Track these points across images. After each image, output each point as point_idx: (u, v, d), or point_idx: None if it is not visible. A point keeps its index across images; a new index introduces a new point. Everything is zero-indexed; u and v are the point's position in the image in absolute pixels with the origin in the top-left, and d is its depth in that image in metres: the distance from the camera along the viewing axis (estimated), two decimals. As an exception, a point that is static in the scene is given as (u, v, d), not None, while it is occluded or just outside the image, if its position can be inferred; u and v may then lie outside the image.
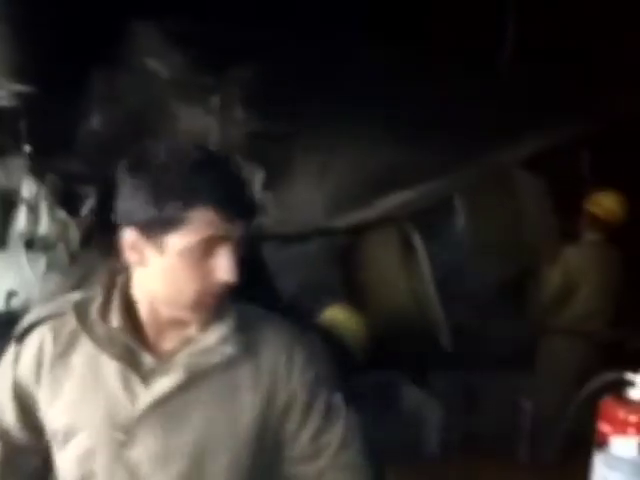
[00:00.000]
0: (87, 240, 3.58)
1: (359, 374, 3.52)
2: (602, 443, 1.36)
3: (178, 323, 1.25)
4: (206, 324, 1.24)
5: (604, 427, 1.35)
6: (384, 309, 3.86)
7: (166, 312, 1.23)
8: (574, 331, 3.70)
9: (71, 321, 1.25)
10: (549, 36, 4.08)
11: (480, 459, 2.51)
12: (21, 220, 3.67)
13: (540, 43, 4.12)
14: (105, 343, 1.22)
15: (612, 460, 1.32)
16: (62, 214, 3.75)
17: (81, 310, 1.25)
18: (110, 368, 1.23)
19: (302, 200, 4.37)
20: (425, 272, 3.76)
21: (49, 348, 1.25)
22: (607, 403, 1.36)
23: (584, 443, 1.49)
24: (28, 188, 3.70)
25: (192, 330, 1.25)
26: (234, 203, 1.18)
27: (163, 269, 1.19)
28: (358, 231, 4.12)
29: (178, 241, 1.16)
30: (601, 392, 1.49)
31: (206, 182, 1.16)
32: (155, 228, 1.17)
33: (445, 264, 3.98)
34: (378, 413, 3.64)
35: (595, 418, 1.41)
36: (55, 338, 1.26)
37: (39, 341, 1.27)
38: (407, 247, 3.83)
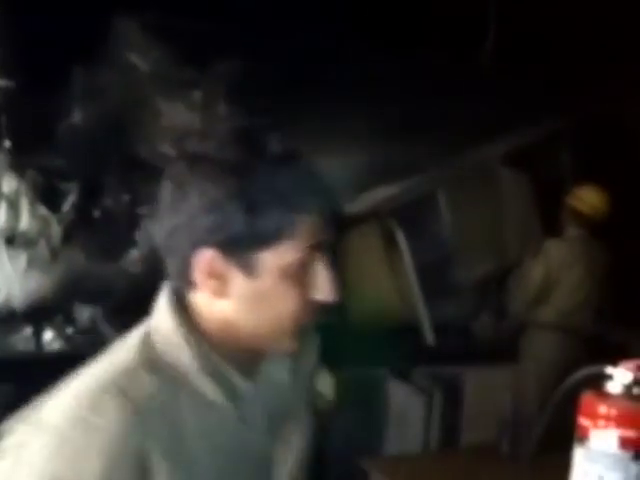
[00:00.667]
0: (68, 237, 3.56)
1: (341, 367, 3.54)
2: (582, 437, 1.37)
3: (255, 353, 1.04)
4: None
5: (584, 421, 1.35)
6: (367, 304, 3.87)
7: (251, 344, 1.00)
8: (556, 326, 3.71)
9: None
10: (531, 33, 4.09)
11: (463, 454, 2.52)
12: (1, 216, 3.63)
13: (522, 40, 4.13)
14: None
15: (592, 454, 1.32)
16: (43, 210, 3.71)
17: None
18: None
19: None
20: (408, 268, 3.76)
21: None
22: (587, 397, 1.37)
23: (565, 438, 1.50)
24: (8, 184, 3.66)
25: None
26: (330, 208, 1.01)
27: (255, 295, 0.96)
28: (341, 226, 4.11)
29: (277, 257, 0.95)
30: (583, 386, 1.50)
31: (309, 185, 0.97)
32: (246, 245, 0.94)
33: (429, 260, 3.99)
34: (363, 410, 3.67)
35: (575, 412, 1.42)
36: None
37: None
38: (390, 243, 3.83)
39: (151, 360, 0.97)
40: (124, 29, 4.00)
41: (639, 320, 4.30)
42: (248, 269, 0.95)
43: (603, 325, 3.91)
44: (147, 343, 0.98)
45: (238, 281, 0.95)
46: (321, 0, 4.06)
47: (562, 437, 1.51)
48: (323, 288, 1.00)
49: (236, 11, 3.95)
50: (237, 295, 0.96)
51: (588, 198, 3.73)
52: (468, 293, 4.03)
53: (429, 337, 3.72)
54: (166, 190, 0.96)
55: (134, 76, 4.11)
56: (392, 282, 3.84)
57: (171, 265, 0.99)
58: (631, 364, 1.37)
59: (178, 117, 4.16)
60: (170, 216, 0.95)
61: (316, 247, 0.99)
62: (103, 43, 3.98)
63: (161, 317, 1.00)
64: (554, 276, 3.70)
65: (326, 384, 2.68)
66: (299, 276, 0.98)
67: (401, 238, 3.77)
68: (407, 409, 3.64)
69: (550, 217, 3.96)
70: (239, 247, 0.94)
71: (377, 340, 3.54)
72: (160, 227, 0.97)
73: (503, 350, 3.82)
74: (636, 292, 4.25)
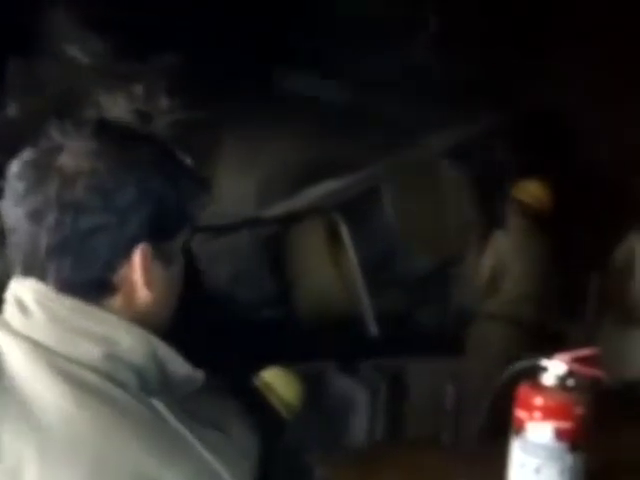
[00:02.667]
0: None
1: (288, 363, 3.54)
2: (519, 429, 1.41)
3: None
4: None
5: (520, 413, 1.40)
6: (313, 298, 3.89)
7: (161, 332, 0.95)
8: (502, 316, 3.75)
9: None
10: (469, 30, 4.16)
11: (407, 445, 2.54)
12: None
13: (462, 35, 4.20)
14: None
15: (528, 445, 1.37)
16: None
17: None
18: None
19: (231, 190, 4.35)
20: (352, 261, 3.79)
21: None
22: (523, 389, 1.41)
23: (504, 429, 1.54)
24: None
25: None
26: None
27: (169, 284, 0.95)
28: (287, 221, 4.12)
29: (178, 243, 0.95)
30: (523, 378, 1.54)
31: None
32: (172, 233, 0.93)
33: (373, 252, 4.03)
34: (307, 403, 3.68)
35: (513, 404, 1.46)
36: None
37: None
38: (335, 236, 3.85)
39: None
40: (62, 21, 3.91)
41: (579, 310, 4.45)
42: (167, 258, 0.92)
43: (545, 314, 4.00)
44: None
45: (159, 271, 0.91)
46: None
47: (503, 428, 1.55)
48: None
49: (177, 4, 3.91)
50: (156, 287, 0.91)
51: (533, 190, 3.79)
52: (415, 283, 4.08)
53: (373, 329, 3.76)
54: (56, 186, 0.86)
55: (73, 68, 4.02)
56: (336, 275, 3.86)
57: (69, 273, 0.88)
58: (565, 356, 1.42)
59: (119, 110, 4.10)
60: (80, 217, 0.85)
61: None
62: (40, 35, 3.88)
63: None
64: (500, 267, 3.75)
65: (292, 388, 2.52)
66: None
67: (345, 232, 3.80)
68: (352, 402, 3.67)
69: (489, 210, 4.03)
70: (167, 236, 0.92)
71: (322, 333, 3.56)
72: (57, 231, 0.86)
73: (448, 341, 3.87)
74: (574, 283, 4.39)
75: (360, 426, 3.69)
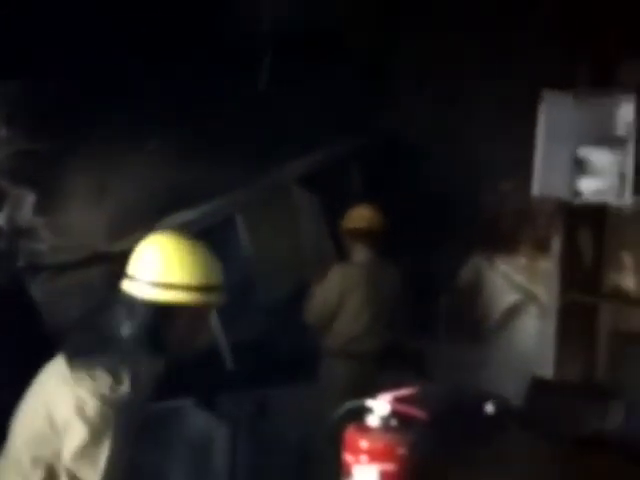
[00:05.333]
0: None
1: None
2: (346, 473, 1.38)
3: None
4: None
5: (347, 457, 1.38)
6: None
7: None
8: (340, 353, 3.70)
9: None
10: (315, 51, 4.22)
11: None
12: None
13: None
14: None
15: (355, 490, 1.35)
16: None
17: None
18: None
19: (79, 224, 4.16)
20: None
21: None
22: (349, 432, 1.39)
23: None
24: None
25: None
26: None
27: None
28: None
29: None
30: (357, 417, 1.52)
31: None
32: None
33: (229, 283, 3.95)
34: (165, 441, 3.54)
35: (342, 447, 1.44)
36: None
37: None
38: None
39: None
40: None
41: (433, 329, 4.59)
42: None
43: (401, 335, 4.07)
44: None
45: None
46: (115, 16, 3.88)
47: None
48: None
49: (17, 30, 3.70)
50: None
51: (356, 216, 3.77)
52: (272, 313, 4.04)
53: (229, 362, 3.68)
54: None
55: None
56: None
57: None
58: (389, 396, 1.42)
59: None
60: None
61: None
62: None
63: None
64: (337, 301, 3.69)
65: None
66: None
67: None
68: (211, 439, 3.58)
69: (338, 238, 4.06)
70: None
71: (178, 369, 3.44)
72: None
73: (307, 370, 3.85)
74: (427, 303, 4.53)
75: (222, 461, 3.59)
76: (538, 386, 3.68)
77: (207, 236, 3.92)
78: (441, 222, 4.44)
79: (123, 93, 3.96)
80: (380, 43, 4.53)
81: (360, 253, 3.78)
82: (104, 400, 1.66)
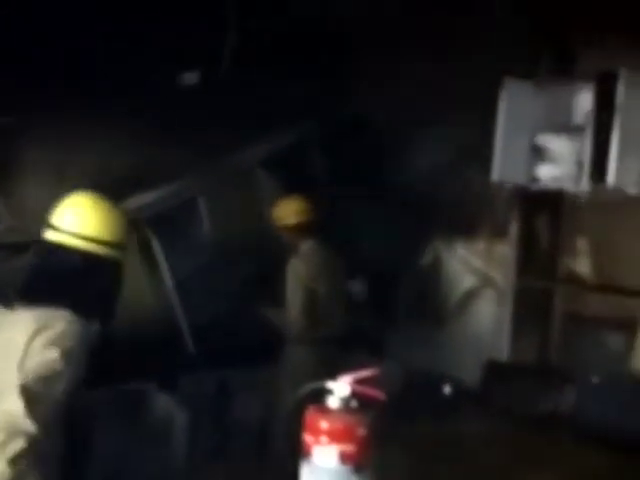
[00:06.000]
0: None
1: (104, 384, 3.38)
2: (307, 453, 1.41)
3: None
4: None
5: (308, 438, 1.40)
6: (127, 314, 3.73)
7: None
8: (301, 337, 3.73)
9: None
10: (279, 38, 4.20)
11: (227, 462, 2.49)
12: None
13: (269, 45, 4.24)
14: None
15: (315, 470, 1.37)
16: None
17: None
18: None
19: (37, 205, 4.09)
20: (164, 275, 3.68)
21: None
22: (310, 413, 1.41)
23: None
24: None
25: None
26: None
27: None
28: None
29: None
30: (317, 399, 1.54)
31: None
32: None
33: (192, 265, 3.95)
34: (126, 424, 3.53)
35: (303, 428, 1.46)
36: None
37: None
38: (148, 250, 3.72)
39: None
40: None
41: (393, 312, 4.65)
42: None
43: (360, 318, 4.11)
44: None
45: None
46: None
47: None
48: None
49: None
50: None
51: (281, 209, 3.78)
52: (232, 297, 4.04)
53: (190, 345, 3.68)
54: None
55: None
56: (151, 291, 3.74)
57: None
58: (349, 377, 1.44)
59: None
60: None
61: None
62: None
63: None
64: (307, 291, 3.64)
65: None
66: None
67: (156, 246, 3.67)
68: (172, 421, 3.58)
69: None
70: None
71: (138, 352, 3.44)
72: None
73: (268, 352, 3.86)
74: (387, 286, 4.58)
75: (181, 445, 3.60)
76: (493, 368, 3.77)
77: (169, 218, 3.94)
78: (403, 206, 4.48)
79: (79, 75, 3.91)
80: (347, 27, 4.52)
81: (303, 244, 3.78)
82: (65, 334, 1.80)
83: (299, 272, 3.68)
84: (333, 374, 1.48)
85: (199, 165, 4.16)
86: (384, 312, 4.57)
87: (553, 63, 4.06)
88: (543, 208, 4.19)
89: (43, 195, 4.12)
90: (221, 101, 4.25)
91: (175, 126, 4.07)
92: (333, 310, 3.75)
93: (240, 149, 4.29)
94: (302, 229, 3.74)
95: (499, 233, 4.29)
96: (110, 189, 4.03)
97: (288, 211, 3.76)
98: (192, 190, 4.06)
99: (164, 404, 3.65)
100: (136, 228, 3.76)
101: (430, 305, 4.54)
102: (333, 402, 1.39)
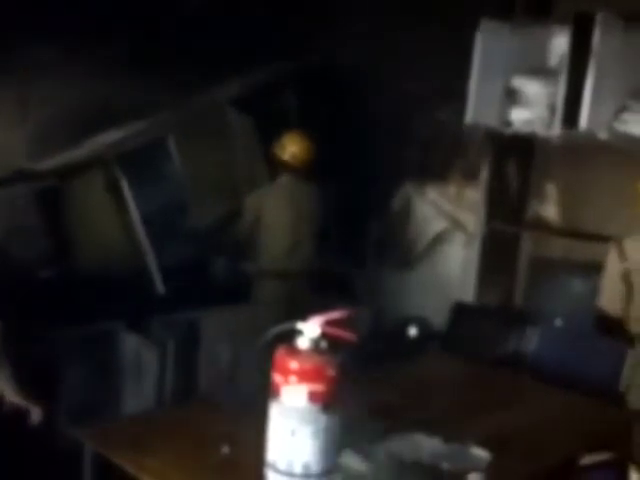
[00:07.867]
0: None
1: (72, 325, 3.37)
2: (276, 393, 1.42)
3: None
4: None
5: (277, 378, 1.41)
6: (96, 255, 3.70)
7: None
8: (268, 272, 3.77)
9: None
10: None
11: (189, 409, 2.47)
12: None
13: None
14: None
15: (285, 409, 1.38)
16: None
17: None
18: None
19: (1, 142, 4.00)
20: (134, 216, 3.63)
21: None
22: (279, 354, 1.41)
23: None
24: None
25: None
26: None
27: None
28: (65, 173, 3.85)
29: None
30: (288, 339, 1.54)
31: None
32: None
33: (161, 204, 3.90)
34: (96, 364, 3.54)
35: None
36: None
37: None
38: (116, 190, 3.66)
39: None
40: None
41: (362, 254, 4.67)
42: None
43: (329, 260, 4.12)
44: None
45: None
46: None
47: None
48: None
49: None
50: None
51: (289, 146, 3.78)
52: (202, 236, 4.01)
53: (159, 286, 3.66)
54: None
55: None
56: (119, 231, 3.69)
57: None
58: (319, 318, 1.44)
59: None
60: None
61: None
62: None
63: None
64: (265, 221, 3.75)
65: None
66: None
67: (125, 186, 3.61)
68: (141, 362, 3.59)
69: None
70: None
71: (108, 292, 3.41)
72: None
73: (240, 292, 3.87)
74: (358, 228, 4.59)
75: (150, 385, 3.62)
76: (460, 310, 3.82)
77: (138, 157, 3.86)
78: (375, 149, 4.45)
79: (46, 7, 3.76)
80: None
81: (285, 177, 3.83)
82: None
83: (258, 201, 3.78)
84: (302, 312, 1.48)
85: (169, 102, 4.07)
86: (353, 255, 4.59)
87: (529, 5, 4.00)
88: (514, 153, 4.19)
89: (7, 132, 4.03)
90: (194, 37, 4.14)
91: (144, 60, 3.98)
92: (299, 243, 3.80)
93: (211, 87, 4.20)
94: (305, 167, 3.77)
95: (470, 177, 4.29)
96: (76, 125, 4.00)
97: (294, 149, 3.77)
98: (162, 128, 3.97)
99: (134, 343, 3.66)
100: (104, 167, 3.69)
101: (400, 248, 4.56)
102: (303, 343, 1.40)
